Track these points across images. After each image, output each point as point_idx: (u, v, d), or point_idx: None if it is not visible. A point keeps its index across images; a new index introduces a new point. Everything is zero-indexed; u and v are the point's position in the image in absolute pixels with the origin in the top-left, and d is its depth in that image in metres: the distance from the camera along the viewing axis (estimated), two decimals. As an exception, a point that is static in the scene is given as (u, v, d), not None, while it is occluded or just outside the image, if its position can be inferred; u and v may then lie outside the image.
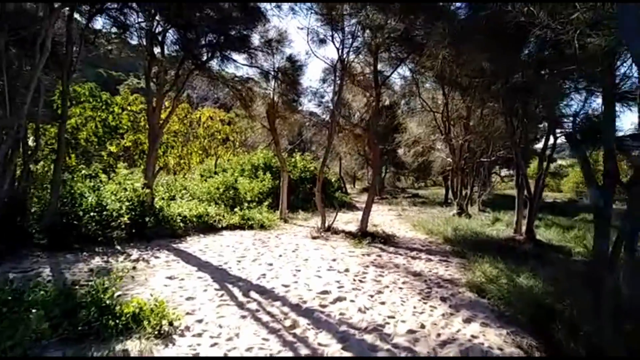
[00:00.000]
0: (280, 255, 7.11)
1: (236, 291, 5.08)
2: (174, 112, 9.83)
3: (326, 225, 9.60)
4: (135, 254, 7.08)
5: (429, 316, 4.39)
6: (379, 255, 7.31)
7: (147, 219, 8.53)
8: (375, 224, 11.23)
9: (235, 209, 11.23)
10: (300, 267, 6.35)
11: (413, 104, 14.04)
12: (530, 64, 7.19)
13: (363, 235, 8.88)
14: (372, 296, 4.99)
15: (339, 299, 4.85)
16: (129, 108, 18.35)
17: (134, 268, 6.06)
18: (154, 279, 5.54)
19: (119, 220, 8.26)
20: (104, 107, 17.03)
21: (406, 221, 12.20)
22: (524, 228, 8.30)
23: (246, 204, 12.61)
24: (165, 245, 7.86)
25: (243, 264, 6.52)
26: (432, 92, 13.15)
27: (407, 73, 11.73)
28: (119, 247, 7.46)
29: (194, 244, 8.08)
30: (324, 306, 4.62)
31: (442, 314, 4.47)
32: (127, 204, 8.73)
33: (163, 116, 10.02)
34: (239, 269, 6.21)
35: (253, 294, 4.96)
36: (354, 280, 5.61)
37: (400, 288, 5.30)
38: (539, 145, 8.47)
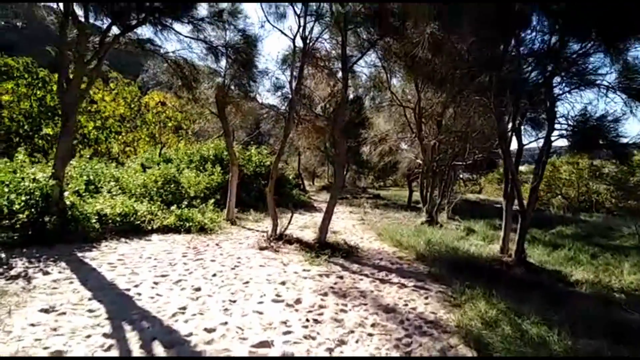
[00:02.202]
0: (215, 275, 5.50)
1: (133, 340, 3.47)
2: (91, 86, 7.90)
3: (278, 232, 8.06)
4: (19, 266, 5.30)
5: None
6: (340, 277, 5.86)
7: (47, 218, 6.64)
8: (335, 231, 9.83)
9: (173, 207, 9.45)
10: (237, 295, 4.78)
11: (380, 98, 12.73)
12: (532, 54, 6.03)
13: (321, 246, 7.42)
14: (331, 350, 3.53)
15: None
16: None
17: (1, 292, 4.31)
18: (20, 313, 3.83)
19: (11, 219, 6.35)
20: (40, 84, 14.80)
21: (370, 228, 10.85)
22: (511, 247, 7.13)
23: (188, 201, 10.85)
24: (68, 254, 6.07)
25: (161, 287, 4.88)
26: (404, 85, 11.87)
27: (377, 61, 10.36)
28: (2, 255, 5.61)
29: (107, 254, 6.32)
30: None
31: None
32: (23, 198, 6.81)
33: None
34: (152, 296, 4.56)
35: (157, 348, 3.37)
36: (307, 320, 4.12)
37: (370, 335, 3.87)
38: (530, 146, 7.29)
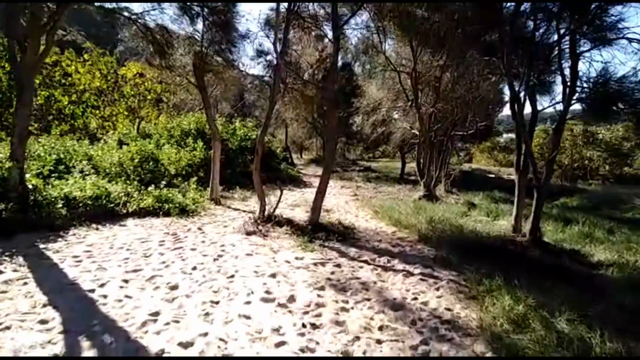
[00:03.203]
0: (195, 269, 4.81)
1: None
2: (47, 54, 6.91)
3: (266, 212, 7.38)
4: (-35, 264, 4.53)
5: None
6: (338, 265, 5.23)
7: (1, 205, 5.82)
8: (328, 209, 9.19)
9: (151, 187, 8.65)
10: (220, 294, 4.12)
11: (372, 64, 11.79)
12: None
13: (314, 228, 6.78)
14: (334, 365, 2.92)
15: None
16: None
17: None
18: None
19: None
20: (7, 56, 13.54)
21: (364, 205, 10.21)
22: (525, 225, 6.54)
23: (168, 180, 10.05)
24: (28, 246, 5.32)
25: (131, 286, 4.18)
26: (398, 48, 10.93)
27: (369, 22, 9.40)
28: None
29: (73, 244, 5.57)
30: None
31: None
32: (-26, 182, 5.98)
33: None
34: (120, 298, 3.87)
35: (119, 373, 2.71)
36: (304, 325, 3.49)
37: (379, 342, 3.26)
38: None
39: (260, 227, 6.77)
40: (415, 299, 4.23)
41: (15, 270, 4.40)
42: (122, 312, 3.59)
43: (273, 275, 4.69)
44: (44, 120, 15.83)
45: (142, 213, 7.79)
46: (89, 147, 11.43)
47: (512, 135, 35.66)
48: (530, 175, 6.63)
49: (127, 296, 3.93)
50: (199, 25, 9.12)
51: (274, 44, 7.28)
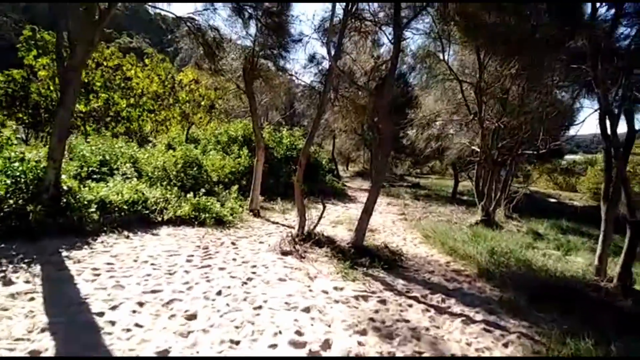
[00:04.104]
0: (219, 293, 4.22)
1: None
2: (91, 55, 6.74)
3: (306, 229, 6.73)
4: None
5: None
6: (383, 301, 4.45)
7: (29, 207, 5.57)
8: (372, 229, 8.41)
9: (190, 195, 8.28)
10: (242, 330, 3.48)
11: (432, 72, 10.86)
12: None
13: (357, 252, 6.03)
14: None
15: None
16: (104, 64, 15.58)
17: None
18: None
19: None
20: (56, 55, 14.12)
21: (413, 226, 9.29)
22: (611, 267, 5.44)
23: (209, 187, 9.68)
24: (52, 253, 5.00)
25: (144, 312, 3.65)
26: (462, 55, 9.92)
27: (430, 26, 8.53)
28: (-29, 252, 4.60)
29: (97, 254, 5.20)
30: None
31: None
32: (8, 181, 5.80)
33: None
34: (129, 327, 3.34)
35: None
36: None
37: None
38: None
39: (297, 247, 6.12)
40: (479, 358, 3.38)
41: (26, 282, 4.01)
42: (127, 347, 3.05)
43: (307, 310, 4.00)
44: (102, 121, 16.37)
45: (177, 222, 7.42)
46: (136, 149, 11.36)
47: (575, 157, 33.01)
48: (621, 208, 5.52)
49: (137, 325, 3.39)
50: (252, 30, 8.76)
51: (327, 45, 6.68)
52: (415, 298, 4.67)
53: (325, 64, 9.02)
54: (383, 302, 4.44)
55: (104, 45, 16.53)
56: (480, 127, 9.23)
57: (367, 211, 6.26)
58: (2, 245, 5.00)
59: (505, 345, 3.67)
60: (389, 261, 5.93)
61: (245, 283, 4.60)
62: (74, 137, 10.55)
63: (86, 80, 14.90)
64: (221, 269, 5.05)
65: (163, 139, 15.73)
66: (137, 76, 17.04)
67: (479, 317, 4.24)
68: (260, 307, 3.95)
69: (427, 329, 3.88)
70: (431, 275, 5.69)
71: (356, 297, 4.45)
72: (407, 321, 4.02)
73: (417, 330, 3.83)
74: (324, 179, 15.60)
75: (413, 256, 6.61)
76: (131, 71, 16.79)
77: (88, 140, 10.85)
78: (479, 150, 10.57)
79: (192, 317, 3.63)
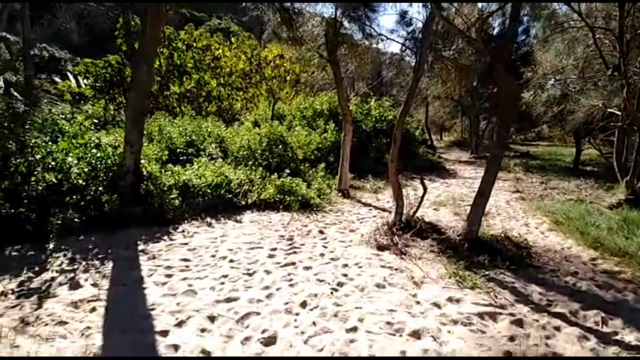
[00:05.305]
0: (304, 305, 3.43)
1: None
2: (159, 32, 6.24)
3: (404, 215, 5.70)
4: (54, 267, 4.00)
5: None
6: (518, 322, 3.28)
7: (104, 196, 5.28)
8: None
9: (274, 176, 7.69)
10: (332, 366, 2.66)
11: (554, 20, 8.78)
12: None
13: (472, 246, 4.86)
14: None
15: None
16: (194, 45, 15.89)
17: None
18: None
19: (74, 196, 5.15)
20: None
21: (535, 208, 7.60)
22: None
23: (295, 166, 9.01)
24: (127, 246, 4.69)
25: (215, 331, 2.98)
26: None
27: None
28: (51, 245, 4.41)
29: (175, 246, 4.79)
30: None
31: None
32: (86, 169, 5.60)
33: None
34: (192, 349, 2.71)
35: None
36: None
37: None
38: None
39: (396, 238, 5.12)
40: None
41: (94, 284, 3.61)
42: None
43: (416, 335, 3.02)
44: (196, 102, 16.77)
45: (261, 205, 6.89)
46: (223, 128, 11.09)
47: None
48: None
49: (203, 351, 2.74)
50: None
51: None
52: (561, 316, 3.43)
53: (418, 24, 7.68)
54: (519, 323, 3.28)
55: (192, 25, 16.77)
56: (626, 82, 7.17)
57: (483, 195, 5.01)
58: (81, 238, 4.79)
59: None
60: (515, 258, 4.67)
61: (335, 290, 3.76)
62: (163, 119, 10.52)
63: (179, 63, 15.33)
64: (307, 268, 4.27)
65: (250, 116, 15.54)
66: (224, 55, 17.11)
67: (668, 356, 2.92)
68: (354, 330, 3.06)
69: (594, 374, 2.69)
70: (575, 278, 4.32)
71: (481, 316, 3.35)
72: (560, 357, 2.86)
73: (580, 375, 2.67)
74: (417, 151, 14.16)
75: (544, 250, 5.22)
76: (219, 51, 16.88)
77: (173, 121, 10.73)
78: (619, 113, 8.43)
79: (269, 342, 2.87)
